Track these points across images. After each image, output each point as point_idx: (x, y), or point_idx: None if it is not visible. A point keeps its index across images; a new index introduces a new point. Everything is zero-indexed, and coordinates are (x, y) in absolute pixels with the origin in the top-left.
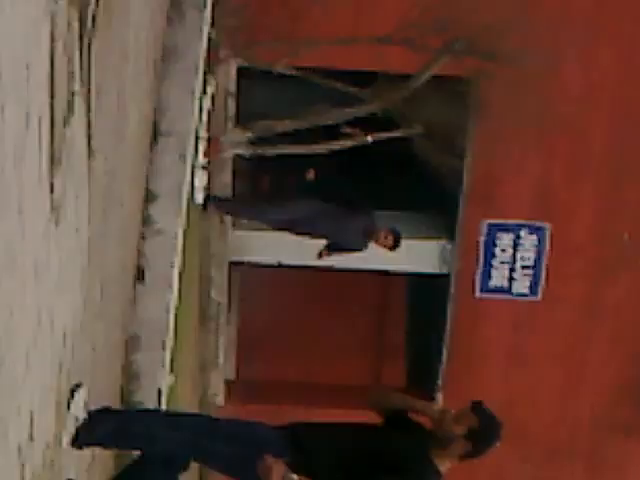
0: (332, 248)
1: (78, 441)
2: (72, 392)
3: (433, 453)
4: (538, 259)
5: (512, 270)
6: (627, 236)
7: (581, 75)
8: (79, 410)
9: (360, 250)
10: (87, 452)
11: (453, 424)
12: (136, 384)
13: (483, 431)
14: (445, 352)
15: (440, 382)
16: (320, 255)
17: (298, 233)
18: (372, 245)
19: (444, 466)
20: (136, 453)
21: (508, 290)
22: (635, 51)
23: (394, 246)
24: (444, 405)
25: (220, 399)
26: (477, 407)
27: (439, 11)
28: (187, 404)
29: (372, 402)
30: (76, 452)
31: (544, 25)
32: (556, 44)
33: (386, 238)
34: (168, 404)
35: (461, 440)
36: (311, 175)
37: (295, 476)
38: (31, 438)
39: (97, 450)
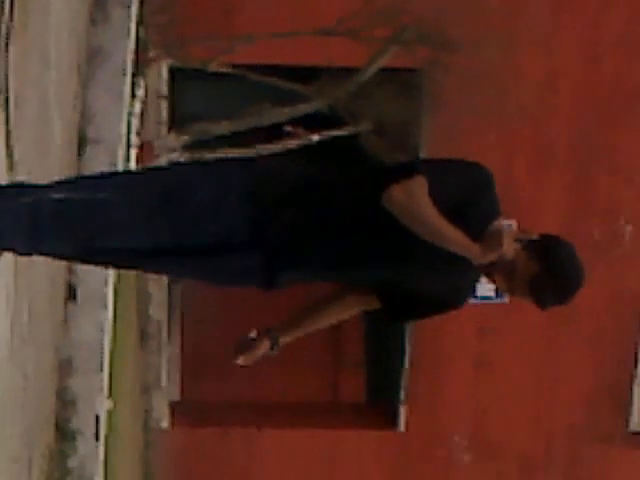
0: None
1: None
2: None
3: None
4: None
5: None
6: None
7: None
8: None
9: None
10: None
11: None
12: (72, 411)
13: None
14: (407, 363)
15: (403, 395)
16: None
17: None
18: None
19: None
20: None
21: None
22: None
23: None
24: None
25: (165, 423)
26: (544, 258)
27: None
28: (128, 430)
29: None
30: None
31: (501, 9)
32: (514, 29)
33: None
34: (108, 431)
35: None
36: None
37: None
38: None
39: None
